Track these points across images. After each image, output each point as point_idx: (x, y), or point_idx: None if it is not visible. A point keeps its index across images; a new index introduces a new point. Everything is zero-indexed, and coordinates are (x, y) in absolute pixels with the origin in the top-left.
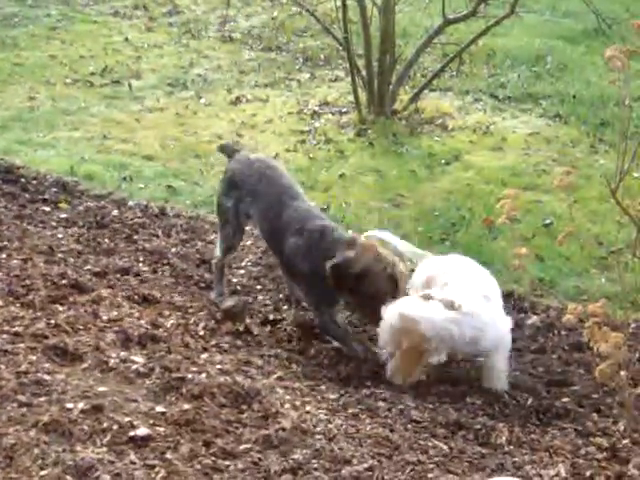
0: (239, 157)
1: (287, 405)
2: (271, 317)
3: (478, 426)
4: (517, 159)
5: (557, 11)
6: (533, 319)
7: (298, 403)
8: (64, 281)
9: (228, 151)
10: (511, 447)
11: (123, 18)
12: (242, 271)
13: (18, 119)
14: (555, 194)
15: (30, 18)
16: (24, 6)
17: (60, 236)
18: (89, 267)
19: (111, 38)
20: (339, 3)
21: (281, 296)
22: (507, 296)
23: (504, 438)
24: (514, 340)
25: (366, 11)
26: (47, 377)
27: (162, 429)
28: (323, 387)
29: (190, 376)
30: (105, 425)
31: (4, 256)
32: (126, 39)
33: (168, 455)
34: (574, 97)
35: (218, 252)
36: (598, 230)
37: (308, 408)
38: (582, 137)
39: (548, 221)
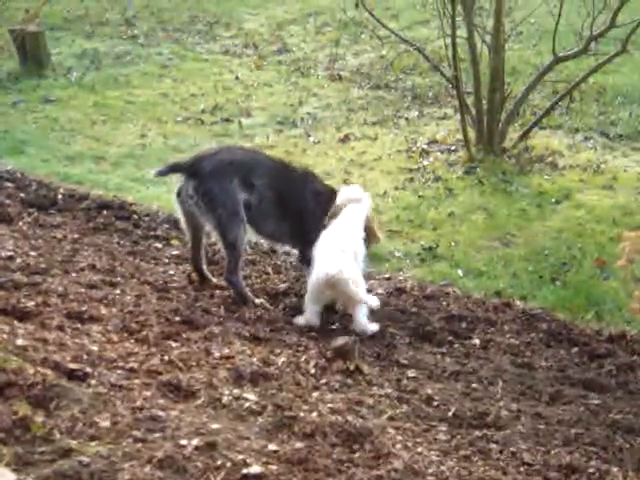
0: None
1: (399, 446)
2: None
3: (592, 470)
4: (629, 198)
5: None
6: None
7: (410, 444)
8: (177, 317)
9: None
10: None
11: (233, 56)
12: None
13: (130, 156)
14: None
15: (142, 57)
16: (136, 45)
17: (172, 272)
18: (200, 304)
19: (221, 76)
20: (448, 41)
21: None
22: (619, 337)
23: None
24: (627, 383)
25: (476, 49)
26: (161, 413)
27: (275, 467)
28: (434, 428)
29: (302, 414)
30: (219, 462)
31: (118, 292)
32: (236, 77)
33: None
34: None
35: None
36: None
37: (420, 449)
38: None
39: None
